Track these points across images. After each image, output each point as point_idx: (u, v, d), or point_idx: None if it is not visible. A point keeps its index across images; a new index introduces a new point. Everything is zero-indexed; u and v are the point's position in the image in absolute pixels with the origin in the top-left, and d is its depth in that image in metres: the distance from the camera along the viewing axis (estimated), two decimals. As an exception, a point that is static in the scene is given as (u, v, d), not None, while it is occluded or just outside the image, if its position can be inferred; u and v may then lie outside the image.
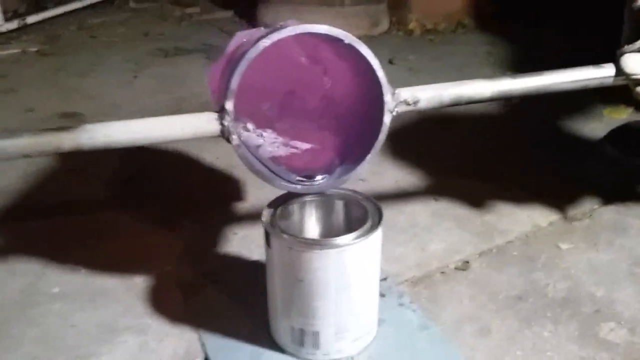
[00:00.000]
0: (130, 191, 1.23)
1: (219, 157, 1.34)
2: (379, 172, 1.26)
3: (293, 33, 0.69)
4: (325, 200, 0.80)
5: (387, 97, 0.74)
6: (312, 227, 0.81)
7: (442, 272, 0.95)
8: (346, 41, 0.70)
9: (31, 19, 2.30)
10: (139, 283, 0.93)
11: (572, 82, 0.82)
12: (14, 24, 2.24)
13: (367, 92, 0.75)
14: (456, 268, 0.96)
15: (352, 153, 0.79)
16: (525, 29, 2.25)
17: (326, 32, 0.69)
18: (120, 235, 1.06)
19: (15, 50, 2.11)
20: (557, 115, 1.52)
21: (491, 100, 0.82)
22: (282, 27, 0.70)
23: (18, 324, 0.85)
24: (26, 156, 0.69)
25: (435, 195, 1.17)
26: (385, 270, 0.93)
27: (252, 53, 0.69)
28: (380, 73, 0.72)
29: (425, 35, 2.35)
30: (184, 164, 1.34)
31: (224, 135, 0.73)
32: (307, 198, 0.79)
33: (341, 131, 0.81)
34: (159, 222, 1.10)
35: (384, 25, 2.38)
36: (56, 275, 0.95)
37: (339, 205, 0.80)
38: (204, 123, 0.73)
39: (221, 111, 0.72)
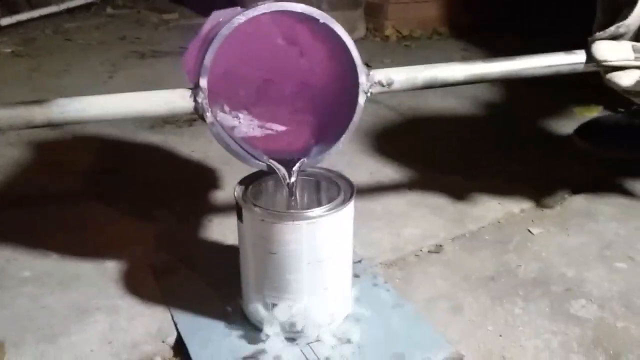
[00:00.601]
0: (106, 183, 1.22)
1: (195, 150, 1.34)
2: (353, 163, 1.27)
3: (268, 10, 0.70)
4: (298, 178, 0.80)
5: (362, 78, 0.75)
6: (283, 203, 0.81)
7: (416, 255, 0.96)
8: (321, 20, 0.71)
9: (5, 21, 2.29)
10: (112, 267, 0.92)
11: (544, 67, 0.84)
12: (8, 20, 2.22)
13: (342, 73, 0.76)
14: (430, 251, 0.97)
15: (327, 133, 0.79)
16: (498, 37, 2.30)
17: (301, 11, 0.70)
18: (94, 224, 1.05)
19: (6, 50, 2.10)
20: (531, 113, 1.55)
21: (465, 83, 0.84)
22: (257, 5, 0.71)
23: (-14, 307, 0.83)
24: (-1, 130, 0.68)
25: (409, 186, 1.18)
26: (360, 254, 0.94)
27: (227, 29, 0.69)
28: (355, 53, 0.73)
29: (401, 42, 2.39)
30: (160, 157, 1.34)
31: (198, 112, 0.73)
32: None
33: (317, 112, 0.81)
34: (134, 212, 1.09)
35: (361, 31, 2.41)
36: (27, 261, 0.94)
37: (312, 182, 0.81)
38: (177, 99, 0.73)
39: (195, 88, 0.72)
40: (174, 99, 0.73)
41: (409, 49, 2.29)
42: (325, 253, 0.73)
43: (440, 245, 0.99)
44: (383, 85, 0.78)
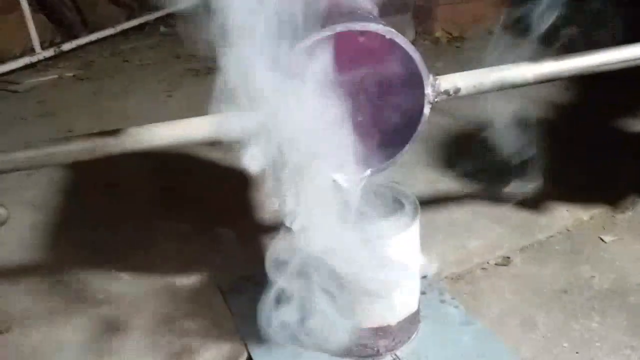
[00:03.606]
0: (167, 201, 1.25)
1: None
2: (411, 172, 1.25)
3: (345, 29, 0.70)
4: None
5: (428, 89, 0.74)
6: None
7: (483, 268, 0.94)
8: (387, 36, 0.70)
9: (66, 47, 2.38)
10: (181, 287, 0.94)
11: (622, 61, 0.79)
12: (50, 52, 2.31)
13: (407, 83, 0.76)
14: (497, 264, 0.95)
15: (390, 144, 0.79)
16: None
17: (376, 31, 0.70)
18: (159, 244, 1.08)
19: (53, 77, 2.18)
20: (597, 111, 1.49)
21: (535, 83, 0.81)
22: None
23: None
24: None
25: (471, 195, 1.16)
26: (425, 267, 0.92)
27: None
28: (421, 65, 0.72)
29: (452, 43, 2.35)
30: (220, 173, 1.36)
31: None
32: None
33: (380, 124, 0.81)
34: (197, 231, 1.11)
35: (410, 34, 2.38)
36: (99, 282, 0.97)
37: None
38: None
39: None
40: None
41: (460, 51, 2.25)
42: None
43: (508, 257, 0.96)
44: (450, 95, 0.77)
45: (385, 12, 2.52)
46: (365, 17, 0.73)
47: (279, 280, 0.70)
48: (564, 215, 1.06)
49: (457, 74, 0.76)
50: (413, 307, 0.78)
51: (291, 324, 0.73)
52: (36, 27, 2.28)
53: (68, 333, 0.87)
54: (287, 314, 0.72)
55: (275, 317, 0.71)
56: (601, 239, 0.98)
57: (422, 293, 0.86)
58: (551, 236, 1.01)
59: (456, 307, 0.85)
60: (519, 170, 1.23)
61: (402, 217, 0.74)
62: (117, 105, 1.89)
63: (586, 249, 0.96)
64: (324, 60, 0.69)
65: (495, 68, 0.78)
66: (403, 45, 0.70)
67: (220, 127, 0.73)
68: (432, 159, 1.32)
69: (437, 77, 0.75)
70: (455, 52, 2.25)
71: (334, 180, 0.75)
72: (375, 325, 0.76)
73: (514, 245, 0.99)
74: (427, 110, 0.74)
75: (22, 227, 1.14)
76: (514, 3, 2.39)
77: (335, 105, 0.71)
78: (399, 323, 0.76)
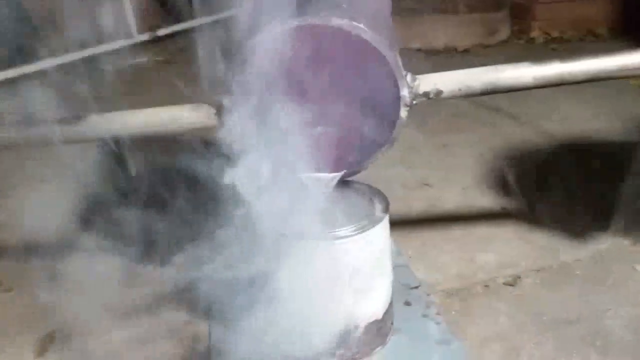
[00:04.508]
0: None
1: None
2: (446, 177, 1.17)
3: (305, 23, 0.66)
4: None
5: (404, 91, 0.67)
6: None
7: (485, 286, 0.85)
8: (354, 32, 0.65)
9: (161, 32, 2.49)
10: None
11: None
12: (145, 36, 2.43)
13: (382, 83, 0.70)
14: (504, 283, 0.85)
15: (365, 147, 0.73)
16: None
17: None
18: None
19: (143, 59, 2.30)
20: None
21: (535, 87, 0.72)
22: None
23: None
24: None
25: (502, 205, 1.06)
26: (422, 278, 0.85)
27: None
28: (395, 65, 0.66)
29: (548, 44, 2.17)
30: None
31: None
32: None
33: (353, 127, 0.75)
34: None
35: (503, 33, 2.24)
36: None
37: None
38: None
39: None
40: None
41: (555, 53, 2.07)
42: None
43: (519, 277, 0.86)
44: (430, 97, 0.70)
45: (476, 9, 2.39)
46: (344, 10, 0.68)
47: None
48: (601, 238, 0.93)
49: (440, 74, 0.69)
50: (376, 316, 0.72)
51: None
52: (139, 11, 2.41)
53: None
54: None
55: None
56: (634, 268, 0.85)
57: (407, 304, 0.79)
58: (578, 259, 0.89)
59: (438, 323, 0.77)
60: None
61: (367, 218, 0.68)
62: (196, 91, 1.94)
63: (613, 277, 0.84)
64: (282, 54, 0.65)
65: (488, 68, 0.69)
66: (372, 43, 0.64)
67: (189, 117, 0.71)
68: (475, 164, 1.23)
69: (417, 77, 0.68)
70: (550, 54, 2.08)
71: (303, 181, 0.71)
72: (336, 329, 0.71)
73: (530, 265, 0.88)
74: (403, 113, 0.67)
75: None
76: (628, 4, 2.18)
77: (299, 103, 0.67)
78: (357, 330, 0.70)
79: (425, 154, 1.33)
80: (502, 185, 1.13)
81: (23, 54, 1.94)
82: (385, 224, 0.68)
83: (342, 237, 0.66)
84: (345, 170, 0.72)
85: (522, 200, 1.06)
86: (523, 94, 1.40)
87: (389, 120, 0.68)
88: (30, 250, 0.97)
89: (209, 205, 0.68)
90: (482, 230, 0.99)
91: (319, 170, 0.72)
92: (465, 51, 2.15)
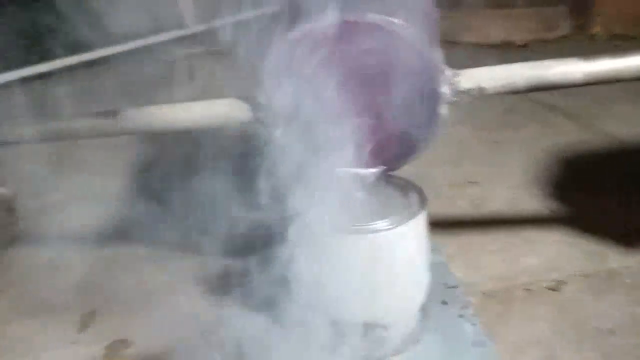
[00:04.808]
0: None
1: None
2: (495, 175, 1.14)
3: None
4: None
5: (444, 88, 0.66)
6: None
7: (527, 289, 0.82)
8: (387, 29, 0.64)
9: (219, 22, 2.52)
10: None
11: None
12: (202, 26, 2.47)
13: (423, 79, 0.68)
14: (547, 287, 0.83)
15: (405, 145, 0.72)
16: None
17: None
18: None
19: (198, 50, 2.34)
20: None
21: (585, 84, 0.69)
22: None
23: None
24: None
25: (553, 207, 1.02)
26: (461, 278, 0.83)
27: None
28: (434, 60, 0.65)
29: (611, 41, 2.08)
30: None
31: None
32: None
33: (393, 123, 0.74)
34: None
35: (563, 29, 2.16)
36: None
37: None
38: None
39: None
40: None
41: (617, 50, 1.98)
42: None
43: (563, 282, 0.83)
44: (472, 95, 0.68)
45: (534, 3, 2.33)
46: (381, 3, 0.66)
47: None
48: (656, 246, 0.89)
49: (483, 69, 0.67)
50: (410, 313, 0.71)
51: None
52: (194, 1, 2.45)
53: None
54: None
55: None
56: (689, 279, 0.81)
57: (444, 303, 0.78)
58: (628, 266, 0.85)
59: (474, 324, 0.75)
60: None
61: (401, 213, 0.67)
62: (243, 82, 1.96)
63: (664, 287, 0.80)
64: (317, 50, 0.64)
65: (534, 63, 0.67)
66: (409, 39, 0.63)
67: (224, 112, 0.72)
68: (531, 163, 1.19)
69: (458, 72, 0.66)
70: (611, 51, 1.99)
71: (342, 175, 0.70)
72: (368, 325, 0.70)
73: (576, 270, 0.85)
74: (443, 110, 0.66)
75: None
76: None
77: (337, 98, 0.67)
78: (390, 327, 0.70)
79: (474, 150, 1.30)
80: (552, 186, 1.10)
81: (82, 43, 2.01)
82: (420, 219, 0.67)
83: (375, 231, 0.65)
84: (384, 167, 0.71)
85: (573, 203, 1.02)
86: (580, 92, 1.37)
87: (429, 117, 0.67)
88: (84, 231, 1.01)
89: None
90: (528, 232, 0.95)
91: (358, 165, 0.71)
92: (523, 46, 2.09)
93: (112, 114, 0.71)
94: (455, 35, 2.00)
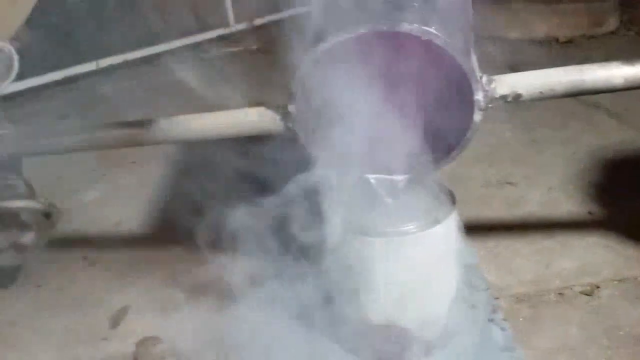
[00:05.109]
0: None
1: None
2: (532, 176, 1.12)
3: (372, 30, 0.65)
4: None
5: (478, 95, 0.65)
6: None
7: (560, 294, 0.81)
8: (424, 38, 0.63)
9: (258, 21, 2.55)
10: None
11: None
12: (242, 25, 2.50)
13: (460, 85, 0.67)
14: (581, 292, 0.81)
15: (438, 149, 0.71)
16: None
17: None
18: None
19: (239, 48, 2.37)
20: None
21: (625, 89, 0.67)
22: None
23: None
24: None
25: (591, 209, 1.00)
26: (492, 281, 0.82)
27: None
28: (469, 67, 0.64)
29: (661, 36, 2.01)
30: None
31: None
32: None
33: (426, 127, 0.74)
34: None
35: (611, 24, 2.09)
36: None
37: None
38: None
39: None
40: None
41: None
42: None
43: (597, 287, 0.81)
44: (508, 101, 0.67)
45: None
46: (416, 10, 0.66)
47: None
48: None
49: (519, 75, 0.65)
50: (437, 316, 0.71)
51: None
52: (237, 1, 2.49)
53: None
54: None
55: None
56: None
57: (473, 307, 0.77)
58: (668, 273, 0.83)
59: (503, 329, 0.74)
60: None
61: (429, 217, 0.67)
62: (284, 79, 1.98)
63: None
64: (350, 60, 0.64)
65: (572, 68, 0.65)
66: (444, 47, 0.62)
67: (254, 121, 0.72)
68: (564, 164, 1.17)
69: (493, 79, 0.65)
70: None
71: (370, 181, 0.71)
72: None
73: (611, 275, 0.83)
74: (477, 117, 0.65)
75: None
76: None
77: (371, 104, 0.67)
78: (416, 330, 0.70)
79: (511, 150, 1.28)
80: (592, 188, 1.07)
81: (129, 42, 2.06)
82: (449, 223, 0.67)
83: (404, 234, 0.65)
84: (417, 172, 0.71)
85: (613, 205, 1.00)
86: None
87: (463, 123, 0.66)
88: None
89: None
90: (564, 235, 0.94)
91: (390, 171, 0.71)
92: (568, 42, 2.03)
93: (143, 124, 0.73)
94: (498, 31, 1.96)
